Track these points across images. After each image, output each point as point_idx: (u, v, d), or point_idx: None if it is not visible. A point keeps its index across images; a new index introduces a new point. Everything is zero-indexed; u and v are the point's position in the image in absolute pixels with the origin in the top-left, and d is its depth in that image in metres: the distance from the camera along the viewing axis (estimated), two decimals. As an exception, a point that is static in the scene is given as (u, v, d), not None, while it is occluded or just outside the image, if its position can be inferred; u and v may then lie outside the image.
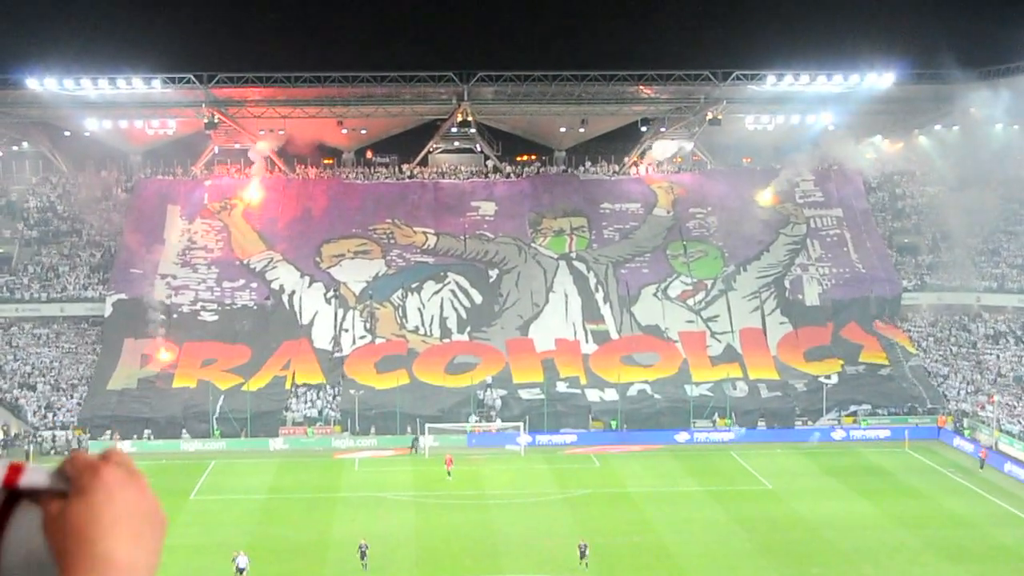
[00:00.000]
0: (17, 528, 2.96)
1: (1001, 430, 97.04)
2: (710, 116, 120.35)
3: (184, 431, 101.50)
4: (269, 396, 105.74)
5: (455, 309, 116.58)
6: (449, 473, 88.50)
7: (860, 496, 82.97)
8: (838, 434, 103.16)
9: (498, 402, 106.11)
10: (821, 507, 79.60)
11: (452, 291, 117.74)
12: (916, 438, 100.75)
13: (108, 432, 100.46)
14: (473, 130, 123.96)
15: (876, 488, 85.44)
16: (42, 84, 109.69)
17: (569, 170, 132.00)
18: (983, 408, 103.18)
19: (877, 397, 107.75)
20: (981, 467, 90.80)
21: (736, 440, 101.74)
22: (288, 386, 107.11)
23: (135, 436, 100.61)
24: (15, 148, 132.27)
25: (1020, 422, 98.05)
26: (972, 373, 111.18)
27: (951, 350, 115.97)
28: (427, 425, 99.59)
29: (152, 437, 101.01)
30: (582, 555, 65.60)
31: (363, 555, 65.85)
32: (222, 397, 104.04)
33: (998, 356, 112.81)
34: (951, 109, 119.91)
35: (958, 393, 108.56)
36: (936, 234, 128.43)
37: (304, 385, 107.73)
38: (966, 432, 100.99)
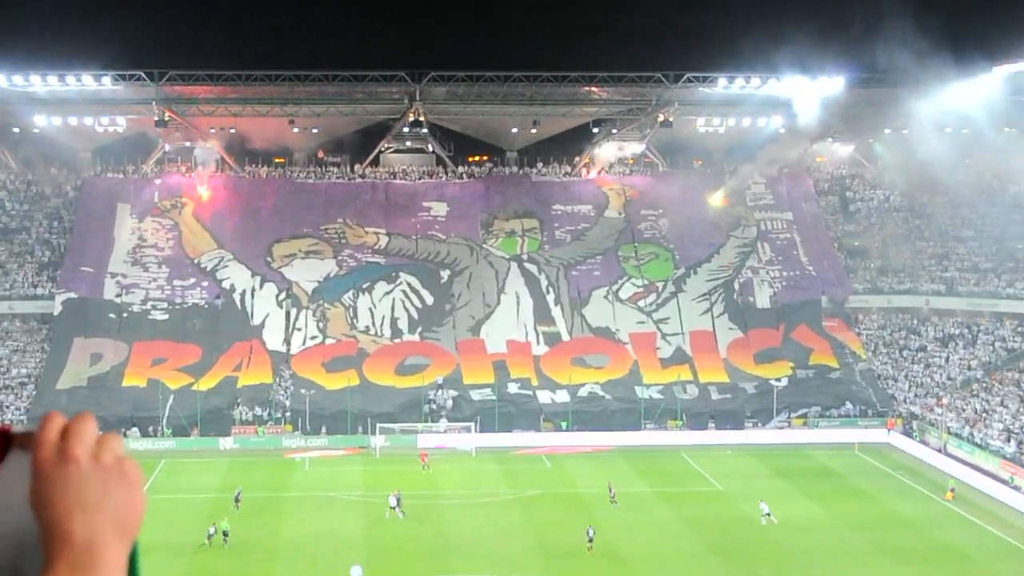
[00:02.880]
0: (6, 473, 2.99)
1: (950, 432, 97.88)
2: (661, 118, 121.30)
3: (134, 429, 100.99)
4: (220, 395, 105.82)
5: (406, 310, 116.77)
6: (425, 467, 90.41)
7: (809, 498, 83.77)
8: (788, 435, 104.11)
9: (449, 402, 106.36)
10: (771, 509, 79.14)
11: (403, 291, 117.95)
12: (865, 440, 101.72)
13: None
14: (425, 130, 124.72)
15: (825, 490, 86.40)
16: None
17: (521, 171, 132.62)
18: (932, 410, 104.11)
19: (827, 399, 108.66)
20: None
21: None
22: (239, 386, 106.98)
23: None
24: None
25: (968, 424, 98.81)
26: (921, 376, 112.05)
27: (901, 353, 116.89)
28: (378, 425, 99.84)
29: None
30: (590, 540, 67.58)
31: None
32: (172, 396, 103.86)
33: (947, 359, 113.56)
34: (901, 113, 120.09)
35: (907, 396, 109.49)
36: (886, 237, 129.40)
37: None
38: (915, 434, 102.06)
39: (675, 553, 70.52)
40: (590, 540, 68.31)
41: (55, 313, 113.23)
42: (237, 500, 67.06)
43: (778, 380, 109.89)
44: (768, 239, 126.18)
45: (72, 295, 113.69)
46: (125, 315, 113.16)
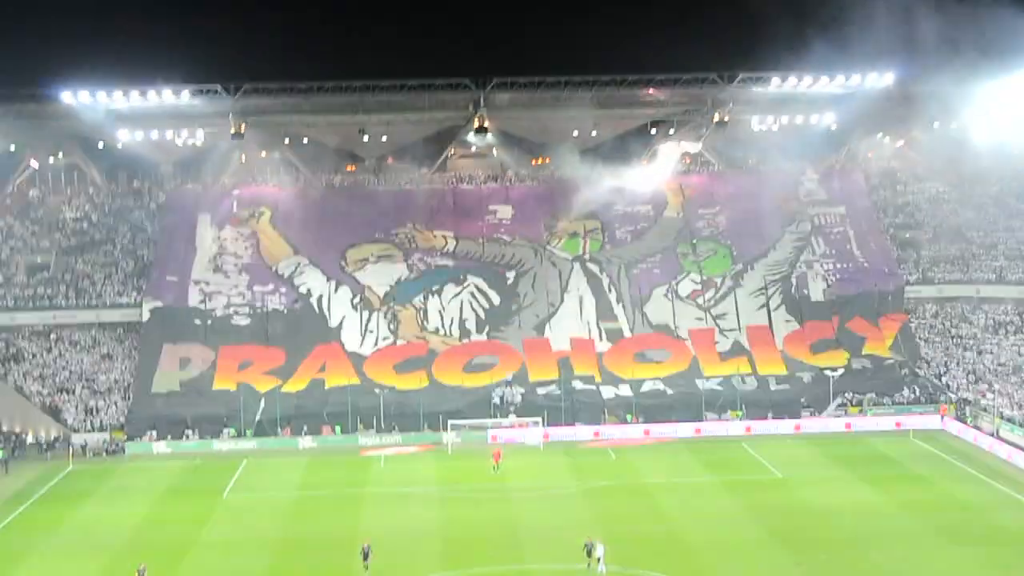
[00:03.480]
0: None
1: (1002, 418, 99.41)
2: (717, 118, 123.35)
3: (226, 430, 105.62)
4: (309, 396, 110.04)
5: (474, 310, 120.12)
6: (496, 467, 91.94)
7: (866, 484, 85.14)
8: (844, 423, 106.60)
9: (517, 399, 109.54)
10: (829, 495, 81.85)
11: (471, 293, 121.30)
12: (920, 427, 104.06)
13: (149, 433, 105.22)
14: (489, 135, 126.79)
15: (882, 476, 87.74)
16: (76, 97, 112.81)
17: (582, 173, 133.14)
18: (984, 396, 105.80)
19: (881, 387, 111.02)
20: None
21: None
22: (328, 387, 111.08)
23: (169, 436, 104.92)
24: (51, 160, 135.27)
25: (1020, 409, 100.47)
26: (973, 363, 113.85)
27: (953, 341, 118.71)
28: (449, 422, 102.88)
29: (194, 437, 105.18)
30: (588, 554, 66.81)
31: (366, 556, 66.48)
32: (263, 399, 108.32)
33: (998, 346, 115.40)
34: (951, 107, 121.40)
35: (960, 383, 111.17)
36: (937, 229, 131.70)
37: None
38: (968, 420, 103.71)
39: (738, 540, 71.50)
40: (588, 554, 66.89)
41: (143, 321, 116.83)
42: (366, 558, 67.72)
43: (834, 370, 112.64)
44: (822, 233, 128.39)
45: (159, 303, 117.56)
46: (209, 321, 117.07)
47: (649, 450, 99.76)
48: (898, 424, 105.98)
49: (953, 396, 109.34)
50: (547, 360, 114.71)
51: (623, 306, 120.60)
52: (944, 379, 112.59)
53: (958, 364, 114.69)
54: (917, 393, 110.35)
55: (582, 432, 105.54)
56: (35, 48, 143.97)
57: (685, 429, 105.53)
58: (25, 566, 70.37)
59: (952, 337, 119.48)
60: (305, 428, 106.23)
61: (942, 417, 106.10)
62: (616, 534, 72.41)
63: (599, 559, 65.18)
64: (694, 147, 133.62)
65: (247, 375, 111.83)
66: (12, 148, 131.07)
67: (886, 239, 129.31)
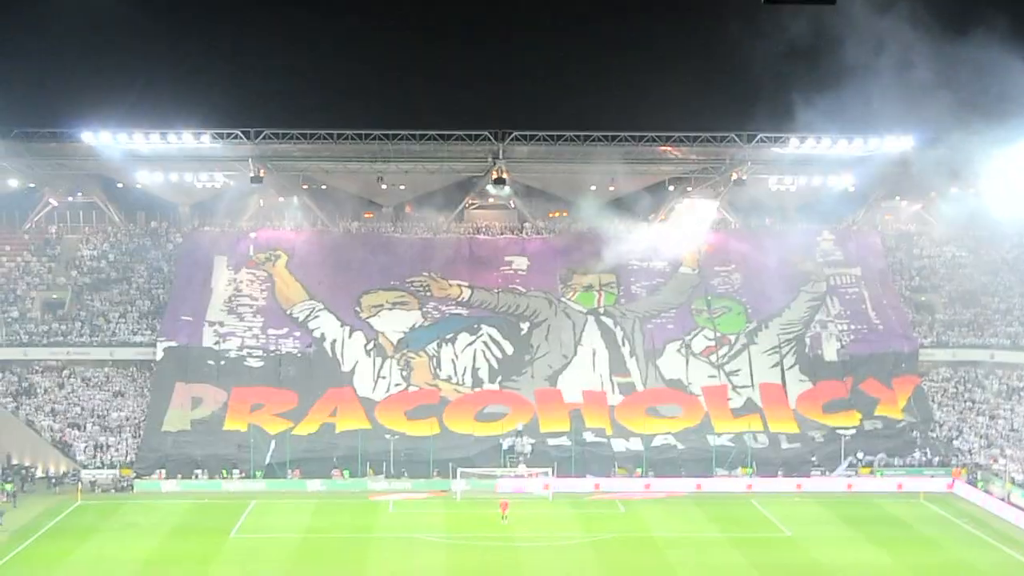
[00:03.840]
0: None
1: (1013, 483, 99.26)
2: (735, 177, 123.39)
3: (235, 471, 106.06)
4: (319, 440, 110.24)
5: (487, 360, 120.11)
6: (504, 517, 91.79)
7: (876, 545, 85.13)
8: (854, 483, 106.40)
9: (527, 448, 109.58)
10: (838, 555, 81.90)
11: (485, 342, 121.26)
12: (930, 489, 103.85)
13: (158, 471, 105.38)
14: (507, 187, 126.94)
15: (892, 537, 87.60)
16: (97, 138, 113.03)
17: (599, 227, 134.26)
18: (996, 461, 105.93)
19: (893, 449, 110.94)
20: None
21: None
22: (338, 431, 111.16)
23: (180, 475, 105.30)
24: (70, 199, 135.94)
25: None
26: (986, 427, 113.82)
27: (966, 405, 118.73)
28: (459, 469, 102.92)
29: (203, 476, 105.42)
30: None
31: None
32: (273, 441, 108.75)
33: (1011, 411, 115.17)
34: (969, 172, 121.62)
35: (972, 447, 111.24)
36: (952, 292, 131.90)
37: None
38: (979, 485, 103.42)
39: None
40: None
41: (157, 359, 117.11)
42: None
43: (845, 430, 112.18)
44: (837, 294, 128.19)
45: (173, 343, 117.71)
46: (223, 362, 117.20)
47: (658, 504, 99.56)
48: (900, 486, 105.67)
49: (965, 460, 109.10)
50: (559, 411, 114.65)
51: (636, 360, 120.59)
52: (956, 443, 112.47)
53: (970, 428, 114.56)
54: (929, 455, 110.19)
55: (591, 484, 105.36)
56: (57, 88, 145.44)
57: (695, 484, 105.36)
58: (31, 598, 70.65)
59: (965, 401, 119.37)
60: (314, 471, 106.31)
61: (954, 480, 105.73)
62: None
63: None
64: (711, 205, 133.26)
65: (258, 416, 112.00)
66: (32, 185, 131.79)
67: (901, 301, 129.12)
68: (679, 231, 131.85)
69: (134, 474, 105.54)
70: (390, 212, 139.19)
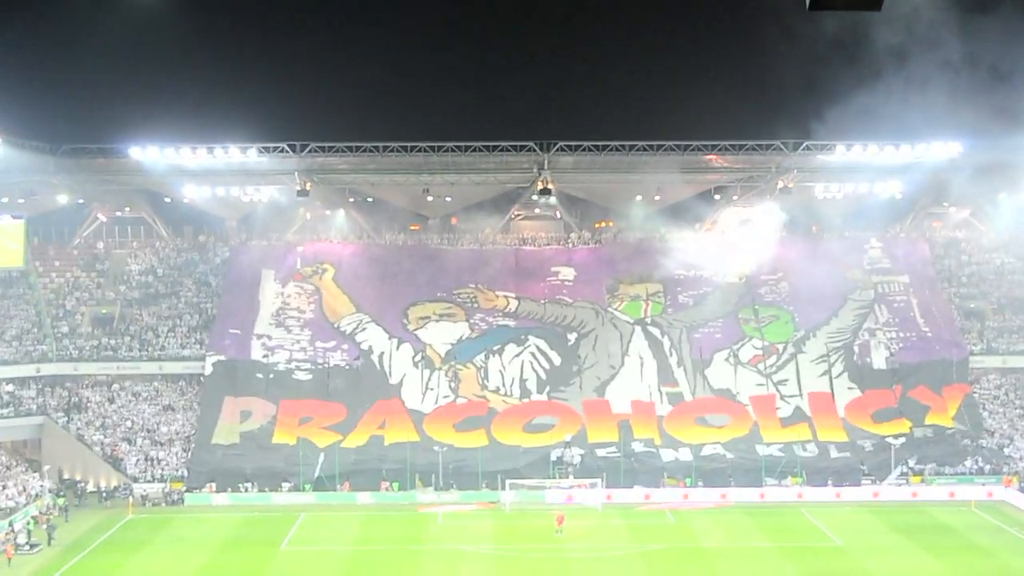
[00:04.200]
0: None
1: None
2: (781, 185, 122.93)
3: (285, 484, 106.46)
4: (368, 452, 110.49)
5: (535, 371, 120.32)
6: (559, 530, 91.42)
7: (927, 553, 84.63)
8: (905, 491, 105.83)
9: (577, 459, 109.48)
10: (889, 564, 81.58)
11: (532, 353, 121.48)
12: (982, 498, 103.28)
13: (208, 484, 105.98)
14: (553, 198, 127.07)
15: (943, 545, 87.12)
16: (144, 153, 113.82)
17: (645, 237, 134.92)
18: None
19: (944, 457, 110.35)
20: None
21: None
22: (387, 444, 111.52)
23: (229, 489, 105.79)
24: (118, 214, 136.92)
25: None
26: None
27: (1017, 412, 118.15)
28: (508, 481, 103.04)
29: (253, 490, 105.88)
30: None
31: None
32: (322, 454, 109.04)
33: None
34: (1017, 178, 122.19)
35: (1023, 454, 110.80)
36: (1001, 299, 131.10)
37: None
38: None
39: None
40: None
41: (206, 373, 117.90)
42: None
43: (896, 438, 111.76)
44: (885, 301, 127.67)
45: (221, 357, 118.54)
46: (271, 375, 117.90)
47: (708, 514, 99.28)
48: (952, 494, 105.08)
49: (1016, 467, 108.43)
50: (607, 422, 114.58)
51: (684, 370, 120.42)
52: (1007, 450, 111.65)
53: (1022, 435, 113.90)
54: (980, 463, 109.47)
55: (641, 494, 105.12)
56: (105, 104, 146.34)
57: (744, 494, 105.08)
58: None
59: (1016, 408, 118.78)
60: (363, 484, 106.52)
61: (1006, 488, 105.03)
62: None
63: None
64: (759, 214, 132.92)
65: (307, 430, 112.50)
66: (80, 201, 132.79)
67: (950, 309, 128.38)
68: (745, 239, 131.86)
69: (184, 487, 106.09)
70: (436, 224, 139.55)
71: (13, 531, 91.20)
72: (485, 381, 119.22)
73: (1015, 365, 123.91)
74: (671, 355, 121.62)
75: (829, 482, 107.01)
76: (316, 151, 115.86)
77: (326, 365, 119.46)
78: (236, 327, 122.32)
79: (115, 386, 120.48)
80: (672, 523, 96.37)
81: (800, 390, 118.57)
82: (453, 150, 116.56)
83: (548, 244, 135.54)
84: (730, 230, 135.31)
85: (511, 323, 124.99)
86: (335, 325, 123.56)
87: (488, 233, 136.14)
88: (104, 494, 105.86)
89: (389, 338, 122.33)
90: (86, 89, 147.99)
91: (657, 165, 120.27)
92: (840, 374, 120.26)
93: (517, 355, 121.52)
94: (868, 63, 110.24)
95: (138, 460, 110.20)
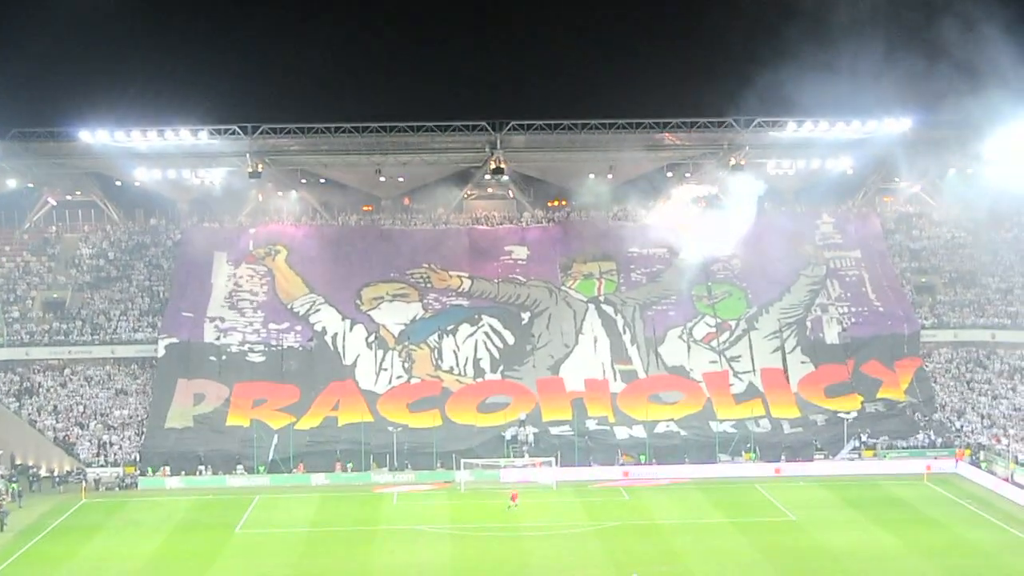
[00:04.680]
0: None
1: (1017, 462, 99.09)
2: (733, 162, 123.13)
3: (239, 467, 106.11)
4: (322, 434, 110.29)
5: (488, 350, 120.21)
6: (512, 506, 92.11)
7: (881, 527, 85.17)
8: (858, 466, 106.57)
9: (531, 438, 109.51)
10: (843, 538, 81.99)
11: (486, 333, 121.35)
12: (935, 471, 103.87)
13: (162, 468, 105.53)
14: (506, 177, 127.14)
15: (897, 519, 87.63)
16: (94, 136, 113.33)
17: (598, 215, 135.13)
18: (999, 441, 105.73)
19: (896, 431, 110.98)
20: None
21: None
22: (340, 425, 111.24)
23: (183, 472, 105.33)
24: (68, 197, 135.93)
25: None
26: (988, 407, 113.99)
27: (968, 385, 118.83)
28: (462, 460, 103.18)
29: (207, 473, 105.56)
30: None
31: None
32: (276, 436, 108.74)
33: (1013, 391, 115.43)
34: (967, 152, 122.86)
35: (974, 427, 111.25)
36: (952, 273, 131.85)
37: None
38: (983, 465, 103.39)
39: None
40: None
41: (159, 356, 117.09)
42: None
43: (847, 413, 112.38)
44: (837, 277, 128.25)
45: (174, 339, 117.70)
46: (224, 358, 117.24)
47: (662, 491, 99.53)
48: (905, 468, 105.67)
49: (968, 441, 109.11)
50: (561, 400, 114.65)
51: (637, 348, 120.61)
52: (959, 423, 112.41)
53: (973, 409, 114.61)
54: (932, 437, 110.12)
55: (595, 472, 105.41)
56: (54, 87, 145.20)
57: (698, 470, 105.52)
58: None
59: (967, 382, 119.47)
60: (318, 465, 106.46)
61: (957, 462, 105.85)
62: (630, 574, 73.19)
63: None
64: (710, 190, 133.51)
65: (261, 412, 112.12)
66: (30, 185, 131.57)
67: (901, 283, 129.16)
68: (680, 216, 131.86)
69: (138, 472, 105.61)
70: (389, 204, 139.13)
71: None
72: (439, 361, 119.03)
73: (966, 339, 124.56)
74: (624, 333, 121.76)
75: (783, 457, 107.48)
76: (267, 133, 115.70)
77: (279, 347, 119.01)
78: (189, 310, 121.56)
79: (67, 370, 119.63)
80: (627, 500, 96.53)
81: (753, 366, 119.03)
82: (405, 130, 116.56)
83: (501, 223, 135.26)
84: (683, 207, 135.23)
85: (465, 303, 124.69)
86: (288, 307, 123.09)
87: (441, 213, 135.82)
88: (57, 479, 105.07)
89: (342, 319, 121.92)
90: (34, 73, 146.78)
91: (609, 143, 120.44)
92: (793, 349, 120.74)
93: (471, 335, 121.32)
94: (820, 37, 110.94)
95: (91, 444, 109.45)
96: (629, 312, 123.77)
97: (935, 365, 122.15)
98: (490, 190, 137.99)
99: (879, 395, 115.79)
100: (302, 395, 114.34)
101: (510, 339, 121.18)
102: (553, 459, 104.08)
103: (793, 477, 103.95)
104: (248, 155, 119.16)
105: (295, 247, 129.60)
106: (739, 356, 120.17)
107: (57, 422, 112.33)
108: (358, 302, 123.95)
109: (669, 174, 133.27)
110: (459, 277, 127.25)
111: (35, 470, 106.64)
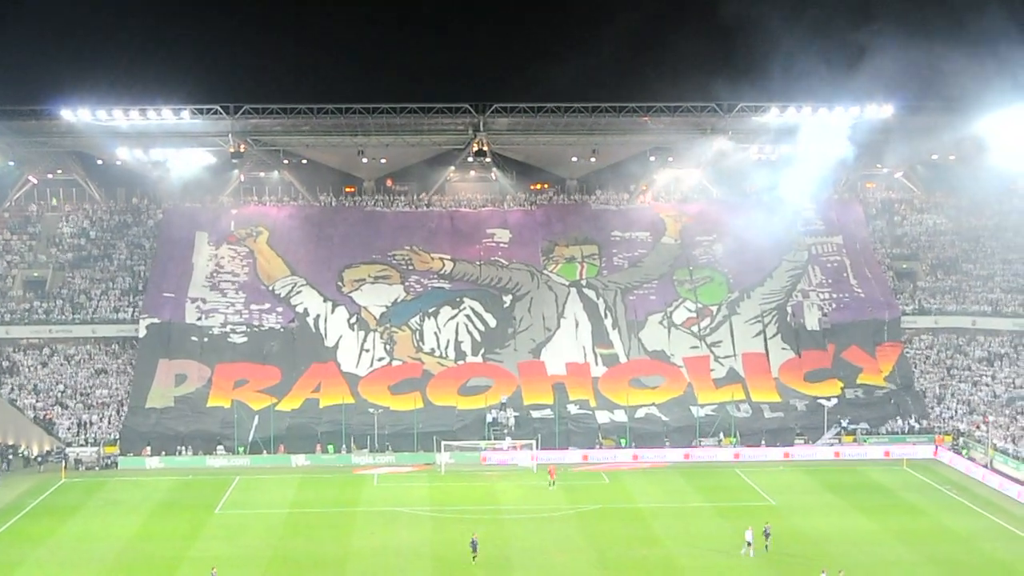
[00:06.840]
0: None
1: (995, 449, 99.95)
2: (716, 147, 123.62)
3: (219, 447, 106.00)
4: (303, 415, 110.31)
5: (470, 333, 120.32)
6: (552, 483, 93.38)
7: (860, 512, 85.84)
8: (837, 451, 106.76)
9: (511, 421, 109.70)
10: (822, 522, 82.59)
11: (467, 316, 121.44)
12: (914, 457, 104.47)
13: (143, 448, 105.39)
14: (488, 159, 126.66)
15: (875, 504, 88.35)
16: (76, 115, 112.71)
17: (581, 199, 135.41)
18: (978, 427, 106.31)
19: (876, 417, 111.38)
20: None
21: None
22: (322, 406, 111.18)
23: (164, 452, 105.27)
24: (50, 176, 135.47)
25: (1013, 441, 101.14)
26: (968, 394, 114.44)
27: (948, 372, 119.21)
28: (443, 443, 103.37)
29: (187, 453, 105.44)
30: (767, 535, 75.07)
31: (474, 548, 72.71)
32: (257, 417, 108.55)
33: (992, 377, 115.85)
34: (949, 140, 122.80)
35: (954, 413, 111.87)
36: (934, 260, 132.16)
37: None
38: (962, 451, 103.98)
39: (731, 565, 72.51)
40: (767, 535, 75.63)
41: (140, 336, 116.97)
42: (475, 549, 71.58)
43: (828, 399, 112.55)
44: (818, 262, 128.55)
45: (155, 320, 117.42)
46: (206, 339, 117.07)
47: (642, 475, 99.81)
48: (887, 453, 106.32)
49: (948, 427, 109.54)
50: (542, 384, 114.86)
51: (619, 332, 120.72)
52: (939, 410, 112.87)
53: (953, 395, 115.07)
54: (912, 423, 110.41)
55: (576, 455, 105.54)
56: (36, 66, 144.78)
57: (679, 454, 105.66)
58: (16, 577, 70.68)
59: (947, 368, 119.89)
60: (299, 446, 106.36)
61: (937, 447, 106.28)
62: (610, 558, 73.84)
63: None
64: (693, 174, 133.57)
65: (242, 393, 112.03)
66: (11, 164, 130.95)
67: (883, 270, 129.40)
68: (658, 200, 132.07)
69: (118, 451, 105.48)
70: (371, 186, 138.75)
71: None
72: (420, 343, 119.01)
73: (946, 325, 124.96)
74: (606, 317, 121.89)
75: (763, 442, 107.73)
76: (250, 113, 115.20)
77: (261, 328, 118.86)
78: (170, 290, 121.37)
79: (47, 350, 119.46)
80: (607, 483, 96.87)
81: (734, 351, 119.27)
82: (388, 112, 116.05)
83: (484, 206, 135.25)
84: (665, 191, 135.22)
85: (446, 285, 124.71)
86: (270, 288, 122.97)
87: (423, 195, 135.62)
88: (37, 459, 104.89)
89: (324, 301, 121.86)
90: (16, 50, 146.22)
91: (592, 127, 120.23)
92: (774, 335, 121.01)
93: (452, 317, 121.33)
94: (804, 24, 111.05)
95: (71, 424, 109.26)
96: (610, 296, 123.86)
97: (916, 351, 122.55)
98: (473, 173, 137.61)
99: (859, 381, 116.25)
100: (283, 376, 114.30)
101: (492, 322, 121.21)
102: (534, 442, 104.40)
103: (773, 461, 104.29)
104: (230, 135, 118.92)
105: (277, 228, 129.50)
106: (720, 341, 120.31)
107: (37, 401, 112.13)
108: (340, 284, 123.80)
109: (652, 158, 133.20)
110: (441, 259, 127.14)
111: (15, 449, 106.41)
